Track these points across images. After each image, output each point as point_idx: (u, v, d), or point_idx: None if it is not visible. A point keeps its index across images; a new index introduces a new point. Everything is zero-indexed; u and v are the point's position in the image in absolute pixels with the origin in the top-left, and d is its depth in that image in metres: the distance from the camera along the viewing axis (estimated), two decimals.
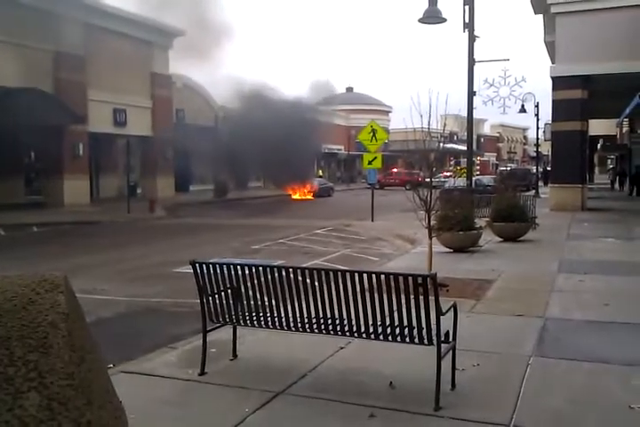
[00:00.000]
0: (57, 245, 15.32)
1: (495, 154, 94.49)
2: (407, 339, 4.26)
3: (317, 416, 4.08)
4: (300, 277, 4.60)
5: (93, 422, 1.49)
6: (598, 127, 40.05)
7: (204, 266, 4.88)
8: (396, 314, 4.24)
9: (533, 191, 31.15)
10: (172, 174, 33.79)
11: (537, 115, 34.44)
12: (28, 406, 1.34)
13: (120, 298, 8.62)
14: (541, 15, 24.73)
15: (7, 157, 25.53)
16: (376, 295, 4.27)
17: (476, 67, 15.30)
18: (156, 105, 32.23)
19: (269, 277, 4.67)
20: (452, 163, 58.84)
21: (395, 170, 54.85)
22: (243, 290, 4.84)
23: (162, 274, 10.62)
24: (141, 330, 7.01)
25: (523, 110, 31.65)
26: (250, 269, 4.79)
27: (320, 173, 52.58)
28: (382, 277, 4.29)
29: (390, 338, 4.33)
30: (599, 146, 50.55)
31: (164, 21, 31.67)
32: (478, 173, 48.11)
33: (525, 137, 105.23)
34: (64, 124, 25.21)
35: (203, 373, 4.90)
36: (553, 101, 22.52)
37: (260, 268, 4.74)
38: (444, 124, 9.05)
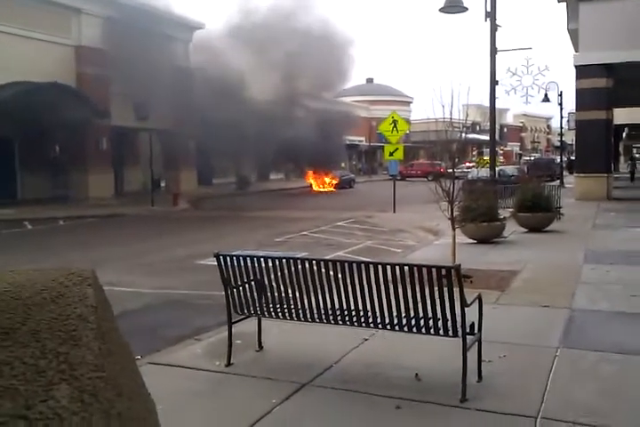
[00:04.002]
0: (83, 239, 15.50)
1: (519, 144, 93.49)
2: (432, 331, 4.24)
3: (343, 408, 4.08)
4: (323, 270, 4.60)
5: (123, 414, 1.50)
6: (623, 116, 39.36)
7: (227, 258, 4.90)
8: (420, 306, 4.21)
9: (558, 181, 30.80)
10: (194, 167, 33.95)
11: (560, 104, 33.96)
12: (59, 397, 1.35)
13: (145, 290, 8.71)
14: (564, 3, 24.31)
15: (33, 151, 25.89)
16: (400, 287, 4.25)
17: (499, 56, 15.08)
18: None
19: (293, 269, 4.68)
20: (474, 153, 58.31)
21: (416, 161, 54.55)
22: (267, 282, 4.86)
23: (186, 266, 10.71)
24: (167, 322, 7.08)
25: (546, 99, 31.19)
26: (273, 262, 4.80)
27: (341, 164, 52.50)
28: (406, 268, 4.27)
29: (415, 330, 4.32)
30: (624, 135, 49.74)
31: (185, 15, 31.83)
32: (502, 162, 47.63)
33: (549, 126, 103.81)
34: (88, 119, 25.45)
35: (229, 364, 4.94)
36: (577, 90, 22.18)
37: (284, 260, 4.75)
38: (467, 115, 8.96)
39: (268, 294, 4.89)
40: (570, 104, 29.75)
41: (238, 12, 33.43)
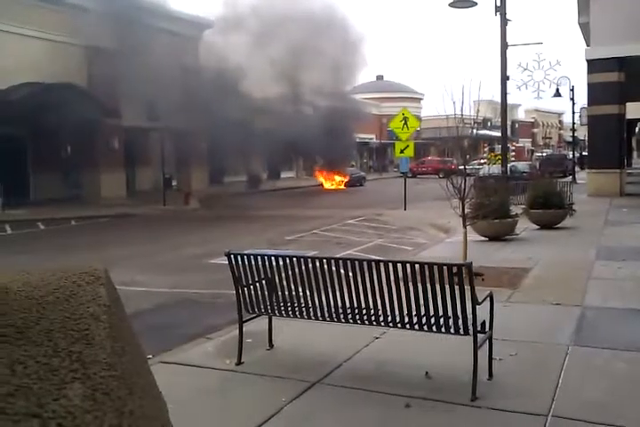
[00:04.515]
0: (95, 239, 15.59)
1: (530, 140, 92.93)
2: (443, 329, 4.24)
3: (353, 406, 4.09)
4: (334, 268, 4.61)
5: (135, 412, 1.51)
6: (636, 110, 39.02)
7: (238, 257, 4.92)
8: (431, 304, 4.21)
9: (570, 177, 30.60)
10: (205, 167, 34.00)
11: (572, 99, 33.73)
12: (72, 396, 1.36)
13: (157, 289, 8.76)
14: None
15: (45, 152, 26.06)
16: (411, 285, 4.25)
17: (509, 51, 15.07)
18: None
19: (303, 267, 4.70)
20: (486, 149, 58.03)
21: (427, 158, 54.40)
22: (277, 281, 4.87)
23: (198, 265, 10.75)
24: (178, 321, 7.12)
25: (557, 94, 31.01)
26: (284, 260, 4.82)
27: (352, 162, 52.42)
28: (417, 266, 4.27)
29: (426, 328, 4.32)
30: (637, 129, 49.34)
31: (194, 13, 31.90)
32: (513, 159, 47.41)
33: (561, 122, 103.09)
34: (99, 119, 25.57)
35: (239, 362, 4.96)
36: (589, 85, 22.02)
37: (294, 259, 4.77)
38: (478, 111, 8.94)
39: (279, 292, 4.91)
40: (582, 99, 29.60)
41: (242, 5, 33.25)
